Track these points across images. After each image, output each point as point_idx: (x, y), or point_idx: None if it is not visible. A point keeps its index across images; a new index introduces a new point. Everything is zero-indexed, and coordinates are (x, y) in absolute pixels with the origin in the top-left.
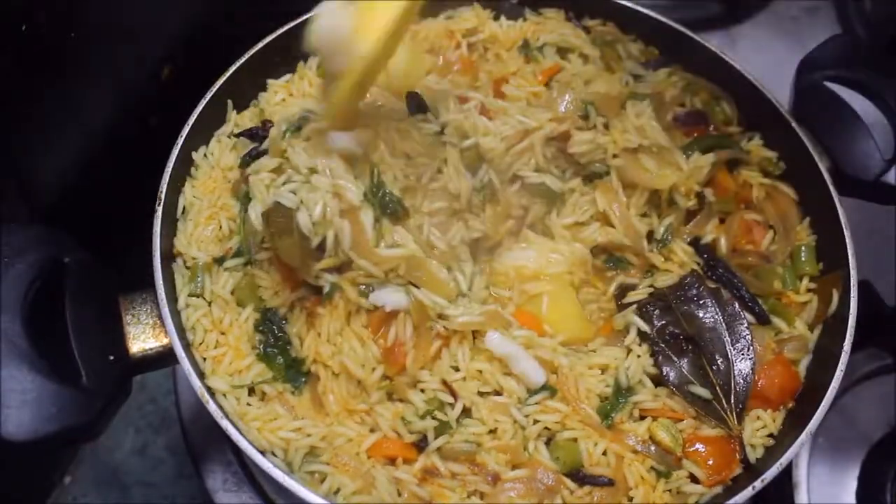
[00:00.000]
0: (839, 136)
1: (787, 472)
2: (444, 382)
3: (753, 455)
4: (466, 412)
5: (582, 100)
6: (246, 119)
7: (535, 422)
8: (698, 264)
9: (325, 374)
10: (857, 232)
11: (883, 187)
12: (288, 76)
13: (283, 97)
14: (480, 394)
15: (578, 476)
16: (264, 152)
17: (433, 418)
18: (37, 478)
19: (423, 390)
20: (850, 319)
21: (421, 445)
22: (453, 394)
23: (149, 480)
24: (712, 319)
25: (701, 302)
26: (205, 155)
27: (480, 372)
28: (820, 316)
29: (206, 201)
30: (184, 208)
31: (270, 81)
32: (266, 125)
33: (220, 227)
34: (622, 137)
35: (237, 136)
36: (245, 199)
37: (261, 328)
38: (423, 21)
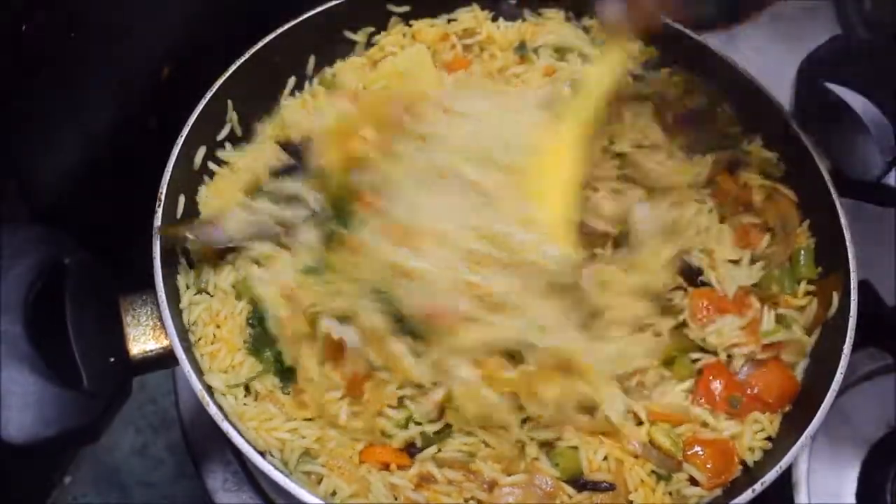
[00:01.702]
0: (839, 136)
1: (787, 472)
2: (441, 406)
3: (752, 458)
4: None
5: None
6: (268, 128)
7: (532, 439)
8: None
9: (300, 374)
10: (856, 233)
11: (883, 189)
12: (299, 94)
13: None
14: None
15: (579, 483)
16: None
17: (416, 423)
18: (37, 478)
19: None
20: (850, 322)
21: (412, 451)
22: (441, 415)
23: (149, 480)
24: None
25: None
26: (228, 161)
27: None
28: (819, 319)
29: (217, 202)
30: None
31: (284, 103)
32: (305, 141)
33: None
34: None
35: (278, 143)
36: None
37: (251, 321)
38: (422, 22)
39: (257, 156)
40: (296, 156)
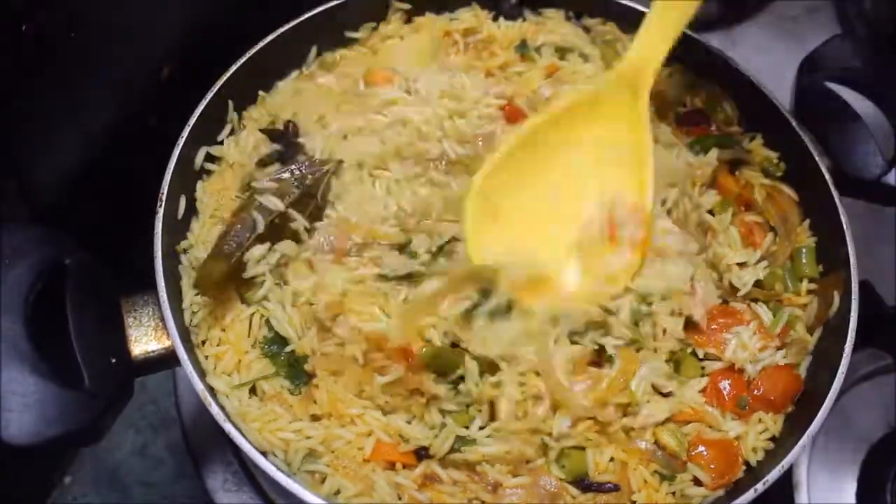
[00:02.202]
0: (840, 136)
1: (788, 473)
2: (491, 403)
3: (755, 458)
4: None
5: None
6: (253, 113)
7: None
8: None
9: (321, 373)
10: (857, 232)
11: (883, 188)
12: (293, 73)
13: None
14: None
15: (584, 484)
16: (286, 156)
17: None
18: (37, 478)
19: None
20: (851, 322)
21: (420, 453)
22: (493, 414)
23: (149, 480)
24: None
25: None
26: (220, 156)
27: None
28: (820, 317)
29: (214, 200)
30: (196, 209)
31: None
32: (288, 126)
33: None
34: None
35: (262, 131)
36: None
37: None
38: (424, 18)
39: (244, 146)
40: (281, 141)
